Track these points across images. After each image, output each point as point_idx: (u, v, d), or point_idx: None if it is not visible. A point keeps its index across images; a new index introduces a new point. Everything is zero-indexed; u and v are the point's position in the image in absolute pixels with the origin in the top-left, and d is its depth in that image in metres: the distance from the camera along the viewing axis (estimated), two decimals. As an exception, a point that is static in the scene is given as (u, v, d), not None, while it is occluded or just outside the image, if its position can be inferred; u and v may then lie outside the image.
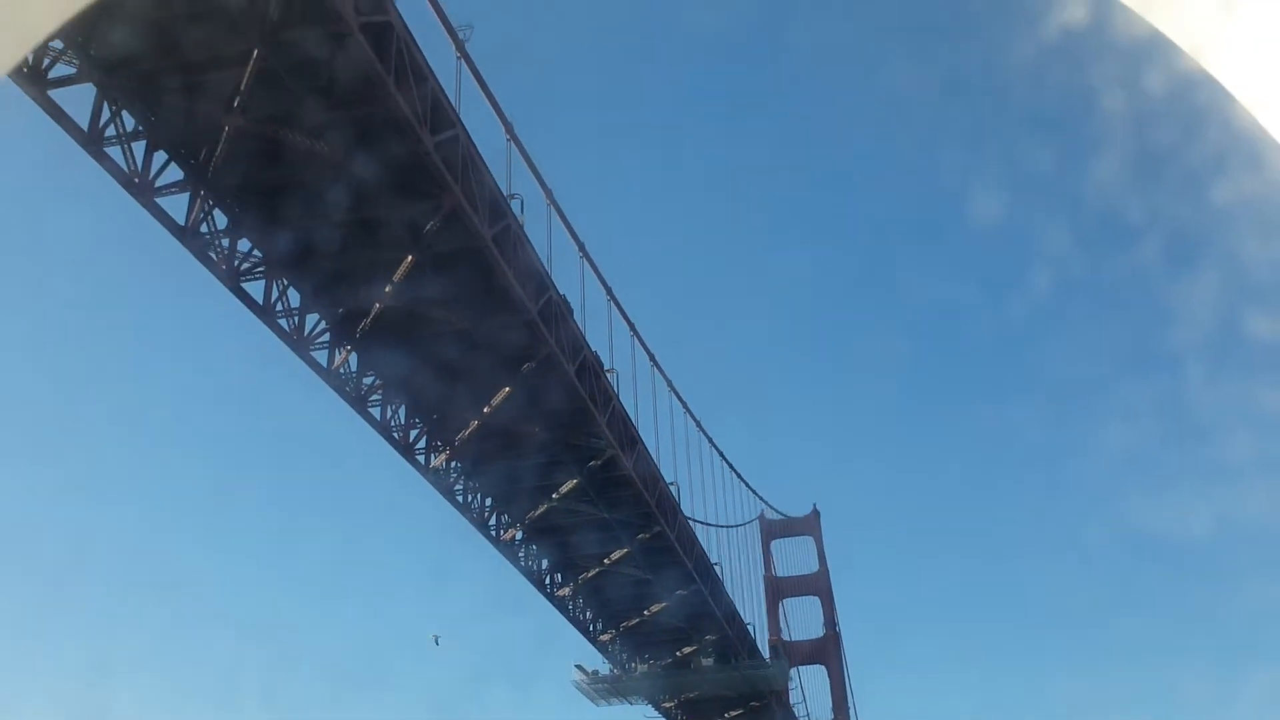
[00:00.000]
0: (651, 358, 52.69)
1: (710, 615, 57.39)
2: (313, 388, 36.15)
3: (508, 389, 38.55)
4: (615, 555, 50.54)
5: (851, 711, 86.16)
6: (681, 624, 57.96)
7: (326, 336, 36.30)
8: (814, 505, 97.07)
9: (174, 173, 28.93)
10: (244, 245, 32.10)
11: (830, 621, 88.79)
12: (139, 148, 27.45)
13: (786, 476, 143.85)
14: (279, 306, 33.97)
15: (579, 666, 65.01)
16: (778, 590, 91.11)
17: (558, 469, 44.34)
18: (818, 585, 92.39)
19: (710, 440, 65.13)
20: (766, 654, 70.40)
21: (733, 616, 60.86)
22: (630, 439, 44.51)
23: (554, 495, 45.63)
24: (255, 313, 33.05)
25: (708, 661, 62.80)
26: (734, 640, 60.64)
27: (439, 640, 54.95)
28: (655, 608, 56.15)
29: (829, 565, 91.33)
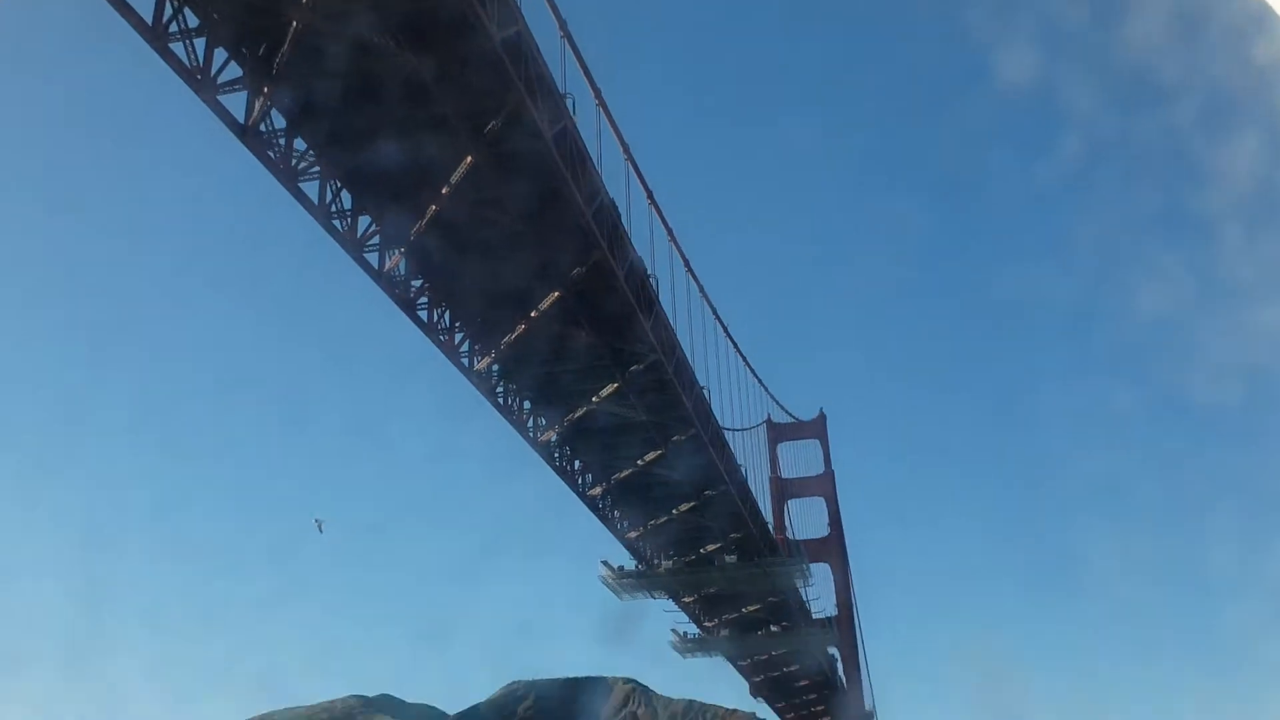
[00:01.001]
0: (686, 263, 52.69)
1: (736, 514, 58.65)
2: (358, 289, 36.13)
3: (557, 293, 38.54)
4: (650, 457, 51.32)
5: (854, 608, 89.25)
6: (708, 522, 59.26)
7: (377, 239, 36.13)
8: (820, 409, 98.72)
9: (233, 70, 28.31)
10: (300, 145, 31.65)
11: (835, 521, 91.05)
12: (200, 45, 26.79)
13: (794, 380, 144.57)
14: (333, 208, 33.68)
15: (605, 563, 66.75)
16: (784, 491, 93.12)
17: (598, 373, 44.64)
18: (822, 487, 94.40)
19: (734, 345, 65.69)
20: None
21: (756, 514, 62.21)
22: (670, 345, 44.74)
23: (594, 399, 46.06)
24: (310, 213, 32.78)
25: (730, 559, 64.42)
26: (756, 538, 62.10)
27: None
28: (684, 507, 57.33)
29: (834, 469, 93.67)
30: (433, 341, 40.50)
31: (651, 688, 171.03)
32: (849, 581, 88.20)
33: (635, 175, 42.96)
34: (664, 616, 74.94)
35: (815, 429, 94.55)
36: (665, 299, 44.66)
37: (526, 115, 29.94)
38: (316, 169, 32.28)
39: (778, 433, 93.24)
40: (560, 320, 40.38)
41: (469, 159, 31.65)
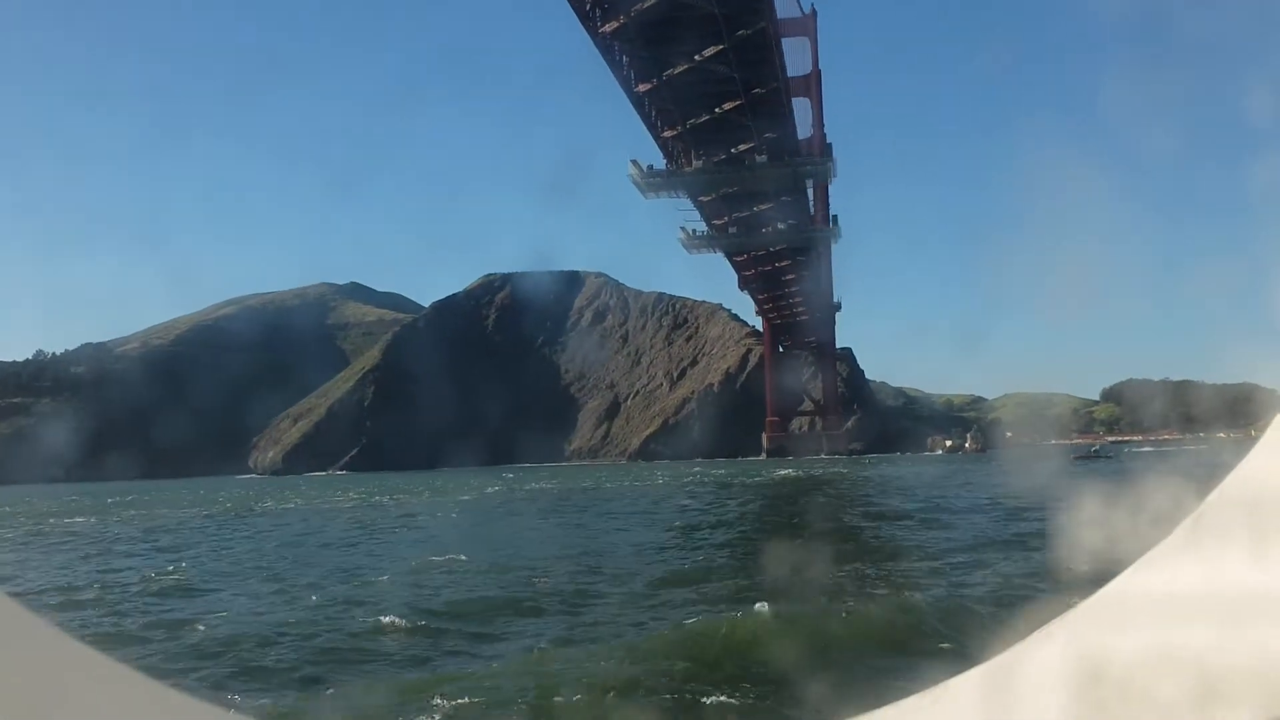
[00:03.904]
0: None
1: (778, 113, 58.20)
2: None
3: None
4: (709, 51, 49.52)
5: (831, 216, 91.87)
6: (747, 121, 58.80)
7: None
8: (812, 5, 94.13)
9: None
10: None
11: (818, 123, 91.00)
12: None
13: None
14: None
15: (634, 162, 66.96)
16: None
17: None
18: (808, 88, 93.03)
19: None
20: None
21: (791, 113, 61.89)
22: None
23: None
24: None
25: (760, 159, 64.92)
26: (792, 136, 62.27)
27: None
28: (728, 105, 56.53)
29: (820, 68, 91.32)
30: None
31: (624, 283, 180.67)
32: (826, 189, 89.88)
33: None
34: (664, 217, 77.03)
35: (803, 26, 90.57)
36: None
37: None
38: None
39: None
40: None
41: None
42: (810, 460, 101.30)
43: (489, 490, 50.98)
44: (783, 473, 57.16)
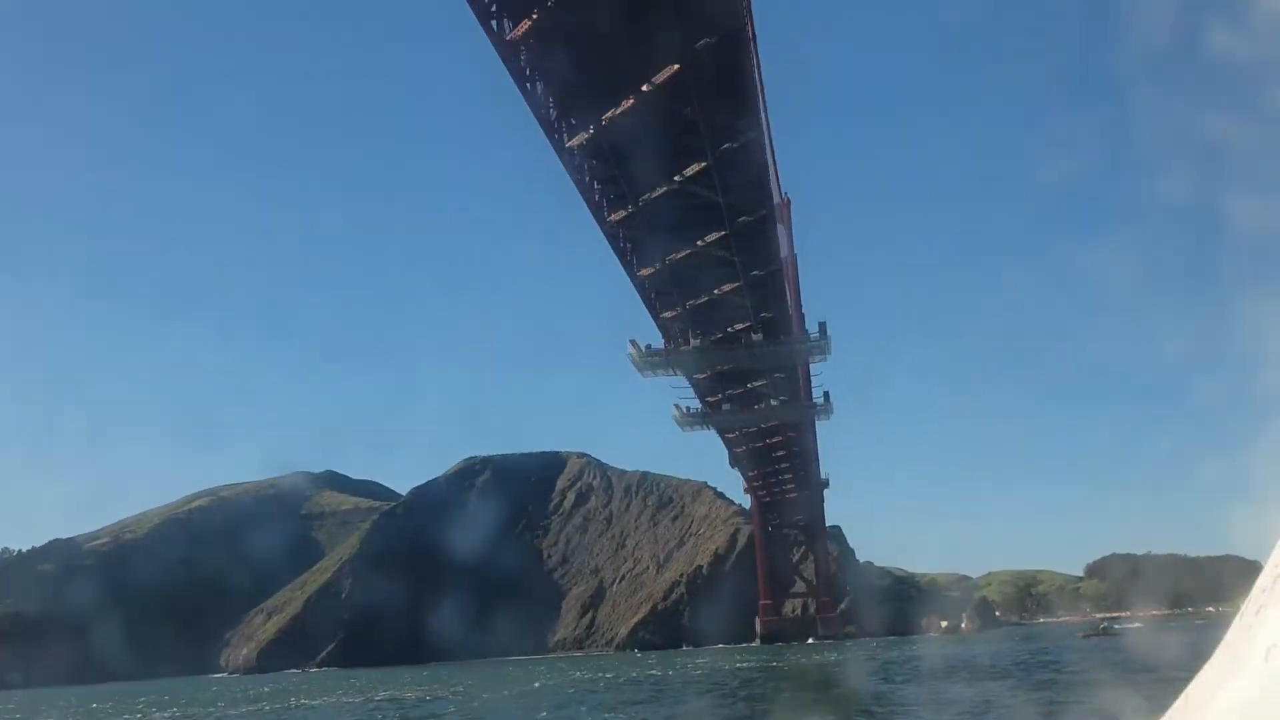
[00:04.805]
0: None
1: (777, 293, 60.36)
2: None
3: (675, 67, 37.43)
4: (711, 237, 51.83)
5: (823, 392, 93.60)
6: (746, 301, 60.78)
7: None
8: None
9: None
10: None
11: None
12: None
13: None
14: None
15: (633, 341, 68.57)
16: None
17: (686, 150, 44.16)
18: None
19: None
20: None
21: (786, 294, 64.14)
22: (762, 121, 44.35)
23: (675, 178, 45.75)
24: None
25: (756, 337, 66.71)
26: (789, 317, 64.34)
27: None
28: (728, 287, 58.59)
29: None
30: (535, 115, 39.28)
31: (607, 462, 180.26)
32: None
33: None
34: (652, 395, 78.22)
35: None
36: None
37: None
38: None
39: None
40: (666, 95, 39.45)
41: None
42: (815, 645, 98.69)
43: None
44: (813, 659, 55.64)
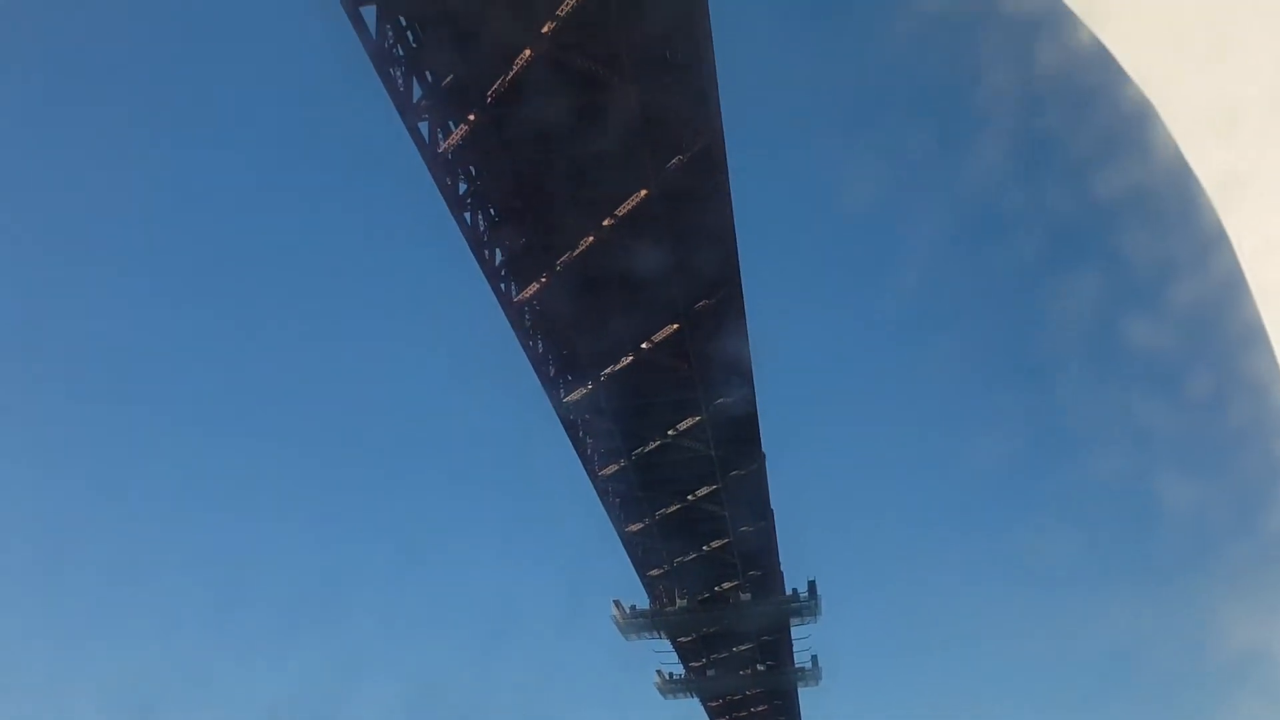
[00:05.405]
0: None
1: (766, 551, 58.91)
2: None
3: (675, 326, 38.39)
4: (702, 491, 51.16)
5: (811, 656, 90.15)
6: (734, 559, 59.19)
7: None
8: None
9: None
10: None
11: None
12: None
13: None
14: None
15: (616, 602, 65.82)
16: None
17: (682, 406, 44.43)
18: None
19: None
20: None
21: (777, 550, 62.54)
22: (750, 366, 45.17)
23: (669, 432, 45.73)
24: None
25: (745, 596, 64.43)
26: (777, 575, 62.54)
27: None
28: (716, 543, 57.15)
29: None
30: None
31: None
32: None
33: None
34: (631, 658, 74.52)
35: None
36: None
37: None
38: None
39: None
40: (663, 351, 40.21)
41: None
42: None
43: None
44: None
